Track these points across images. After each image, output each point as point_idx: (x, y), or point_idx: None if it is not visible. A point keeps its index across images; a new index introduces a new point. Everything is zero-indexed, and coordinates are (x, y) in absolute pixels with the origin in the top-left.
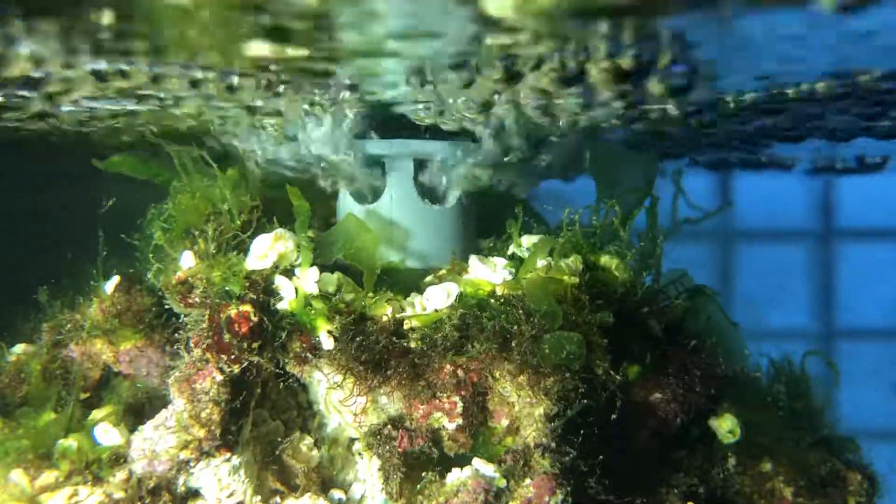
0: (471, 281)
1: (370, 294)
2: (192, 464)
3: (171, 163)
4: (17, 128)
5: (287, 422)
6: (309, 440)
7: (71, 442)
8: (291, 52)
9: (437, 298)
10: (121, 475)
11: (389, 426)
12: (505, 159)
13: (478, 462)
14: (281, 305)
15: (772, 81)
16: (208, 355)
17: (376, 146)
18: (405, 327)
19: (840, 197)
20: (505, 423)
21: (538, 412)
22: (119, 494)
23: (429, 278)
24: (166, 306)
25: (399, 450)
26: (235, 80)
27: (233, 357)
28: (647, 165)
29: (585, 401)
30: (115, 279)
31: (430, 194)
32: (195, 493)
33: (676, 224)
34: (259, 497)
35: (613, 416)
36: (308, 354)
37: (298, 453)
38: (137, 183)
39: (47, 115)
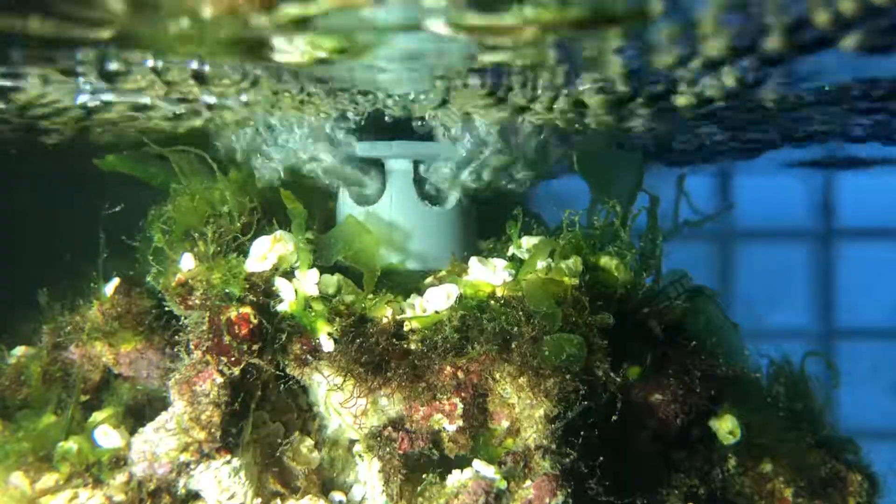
0: (471, 282)
1: (370, 296)
2: (192, 466)
3: (168, 163)
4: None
5: (287, 424)
6: (309, 442)
7: (71, 444)
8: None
9: (437, 300)
10: (121, 478)
11: (390, 428)
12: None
13: (478, 464)
14: (281, 307)
15: None
16: (208, 357)
17: (375, 148)
18: (405, 329)
19: (840, 197)
20: (505, 424)
21: (538, 414)
22: (119, 497)
23: (429, 280)
24: (166, 308)
25: (399, 451)
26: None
27: (233, 359)
28: (635, 165)
29: (586, 402)
30: (115, 281)
31: (429, 196)
32: (195, 496)
33: (677, 226)
34: (259, 499)
35: (614, 418)
36: (308, 356)
37: (299, 455)
38: (138, 185)
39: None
